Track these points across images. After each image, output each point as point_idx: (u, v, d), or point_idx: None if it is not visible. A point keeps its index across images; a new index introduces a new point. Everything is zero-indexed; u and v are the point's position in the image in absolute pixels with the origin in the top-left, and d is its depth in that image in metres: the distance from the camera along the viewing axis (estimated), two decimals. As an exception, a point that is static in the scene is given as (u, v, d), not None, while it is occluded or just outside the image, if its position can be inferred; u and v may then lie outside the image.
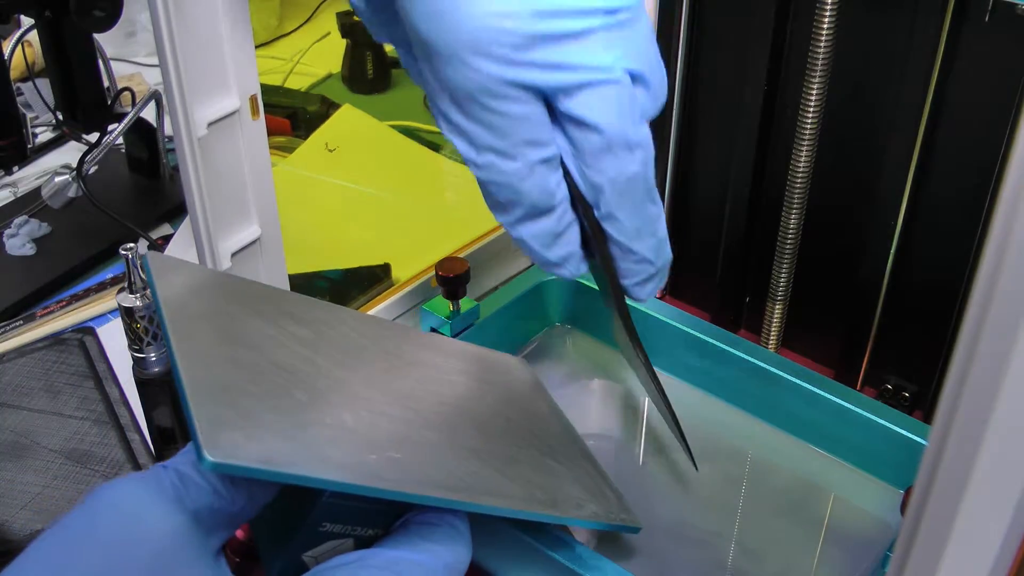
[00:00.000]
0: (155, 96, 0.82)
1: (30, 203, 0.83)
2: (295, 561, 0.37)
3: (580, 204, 0.41)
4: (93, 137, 0.78)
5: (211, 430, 0.32)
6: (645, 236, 0.42)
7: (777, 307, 0.61)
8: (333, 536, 0.37)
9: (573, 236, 0.42)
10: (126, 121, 0.79)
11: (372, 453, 0.37)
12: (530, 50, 0.36)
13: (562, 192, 0.40)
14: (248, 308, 0.42)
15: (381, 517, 0.38)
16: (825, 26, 0.51)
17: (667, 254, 0.44)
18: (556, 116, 0.39)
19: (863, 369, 0.60)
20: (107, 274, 0.78)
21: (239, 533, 0.47)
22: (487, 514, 0.38)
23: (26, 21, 0.77)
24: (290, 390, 0.38)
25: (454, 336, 0.56)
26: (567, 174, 0.40)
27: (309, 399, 0.38)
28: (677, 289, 0.69)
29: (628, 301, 0.46)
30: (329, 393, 0.40)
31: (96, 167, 0.80)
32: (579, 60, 0.37)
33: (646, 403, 0.57)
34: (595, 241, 0.42)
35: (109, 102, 0.78)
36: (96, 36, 0.75)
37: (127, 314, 0.53)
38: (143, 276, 0.53)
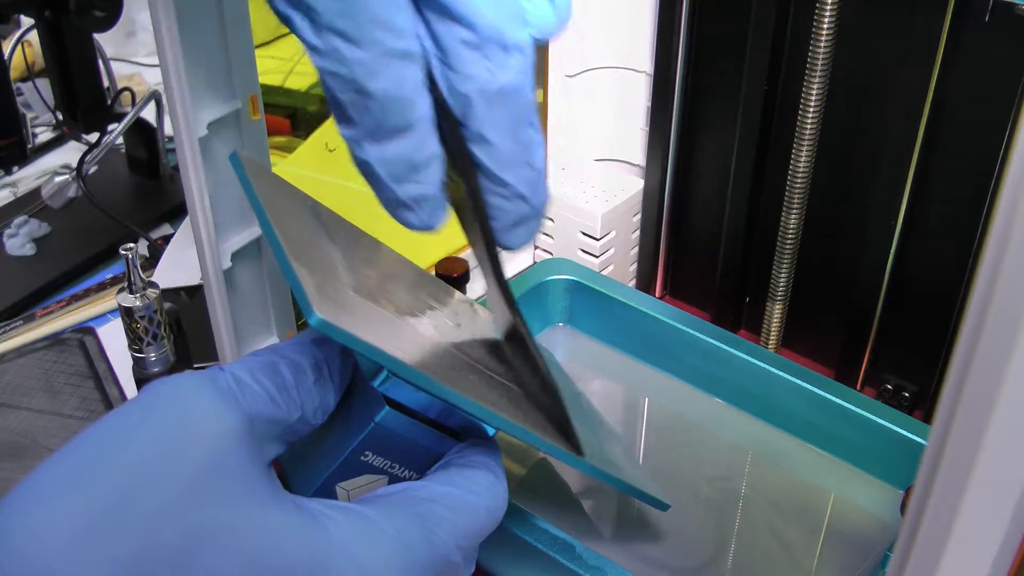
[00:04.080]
0: (155, 96, 0.82)
1: (30, 203, 0.83)
2: (329, 491, 0.37)
3: (447, 123, 0.35)
4: (93, 137, 0.78)
5: (318, 293, 0.31)
6: (519, 165, 0.36)
7: (777, 307, 0.61)
8: (371, 470, 0.37)
9: (433, 174, 0.36)
10: (126, 121, 0.79)
11: (453, 369, 0.37)
12: None
13: (423, 108, 0.34)
14: (317, 218, 0.42)
15: (421, 457, 0.38)
16: (825, 26, 0.51)
17: (543, 193, 0.37)
18: (422, 9, 0.33)
19: (863, 369, 0.60)
20: (107, 274, 0.78)
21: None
22: (548, 452, 0.38)
23: (26, 21, 0.77)
24: (374, 295, 0.38)
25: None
26: (434, 88, 0.34)
27: (389, 308, 0.38)
28: (677, 289, 0.69)
29: (506, 258, 0.40)
30: (403, 311, 0.40)
31: (96, 167, 0.80)
32: None
33: (646, 404, 0.57)
34: (464, 169, 0.36)
35: (109, 102, 0.78)
36: (96, 36, 0.75)
37: (127, 314, 0.53)
38: (143, 276, 0.54)
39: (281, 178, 0.45)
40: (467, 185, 0.36)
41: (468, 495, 0.36)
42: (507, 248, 0.39)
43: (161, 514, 0.28)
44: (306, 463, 0.37)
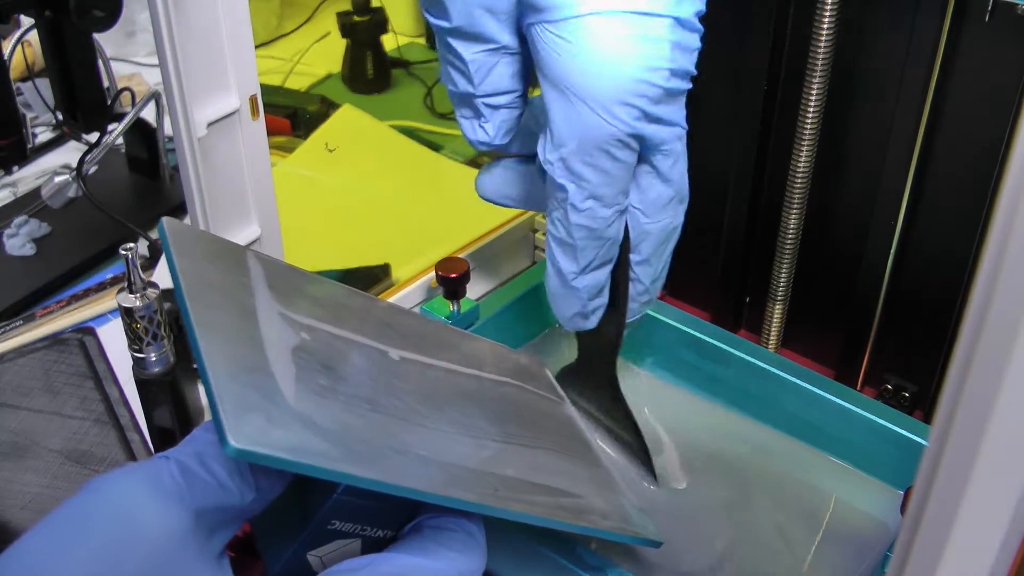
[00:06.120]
0: (155, 96, 0.82)
1: (30, 203, 0.83)
2: (299, 560, 0.35)
3: (622, 252, 0.46)
4: (93, 137, 0.78)
5: (236, 413, 0.30)
6: (661, 276, 0.49)
7: (777, 307, 0.61)
8: (341, 535, 0.36)
9: (607, 290, 0.48)
10: (126, 121, 0.79)
11: (398, 449, 0.36)
12: (659, 104, 0.42)
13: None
14: (266, 284, 0.40)
15: (393, 518, 0.37)
16: (825, 26, 0.51)
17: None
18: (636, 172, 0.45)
19: (863, 369, 0.60)
20: (107, 274, 0.78)
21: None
22: (513, 520, 0.37)
23: (26, 21, 0.77)
24: (313, 375, 0.36)
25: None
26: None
27: (332, 386, 0.36)
28: (677, 289, 0.69)
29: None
30: (352, 382, 0.38)
31: (96, 167, 0.80)
32: (676, 118, 0.44)
33: (646, 404, 0.57)
34: (620, 287, 0.48)
35: (109, 102, 0.78)
36: (96, 36, 0.75)
37: (127, 314, 0.53)
38: (143, 276, 0.53)
39: (220, 239, 0.43)
40: (623, 298, 0.48)
41: (439, 562, 0.35)
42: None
43: None
44: (275, 531, 0.36)
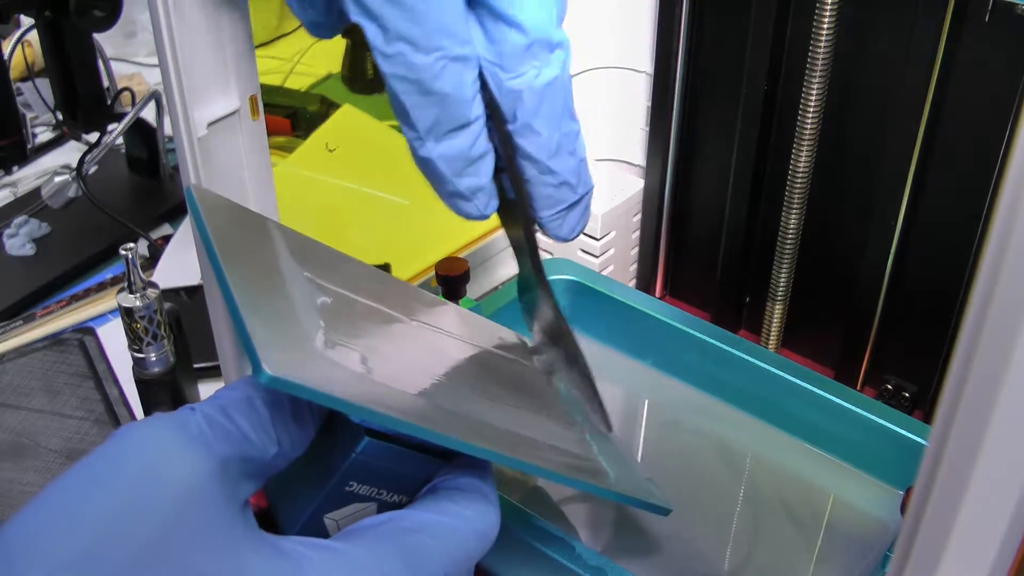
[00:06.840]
0: (155, 96, 0.82)
1: (30, 203, 0.83)
2: (315, 523, 0.36)
3: (495, 120, 0.39)
4: (93, 137, 0.78)
5: (270, 346, 0.31)
6: (564, 154, 0.40)
7: (777, 307, 0.61)
8: (358, 498, 0.36)
9: (486, 166, 0.39)
10: (126, 121, 0.79)
11: (423, 398, 0.36)
12: None
13: (479, 108, 0.38)
14: (287, 248, 0.41)
15: (409, 482, 0.37)
16: (825, 26, 0.51)
17: (589, 181, 0.42)
18: (476, 16, 0.37)
19: (863, 369, 0.60)
20: (107, 274, 0.78)
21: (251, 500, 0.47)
22: (534, 475, 0.37)
23: (26, 21, 0.77)
24: (337, 327, 0.37)
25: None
26: (485, 89, 0.38)
27: (355, 338, 0.37)
28: (677, 289, 0.69)
29: (551, 249, 0.44)
30: (373, 338, 0.39)
31: (96, 167, 0.80)
32: None
33: (646, 404, 0.57)
34: (509, 167, 0.40)
35: (109, 102, 0.78)
36: (96, 36, 0.75)
37: (127, 314, 0.53)
38: (143, 276, 0.54)
39: (244, 208, 0.44)
40: (513, 179, 0.40)
41: (456, 520, 0.35)
42: (559, 238, 0.43)
43: (130, 569, 0.28)
44: (291, 495, 0.36)
